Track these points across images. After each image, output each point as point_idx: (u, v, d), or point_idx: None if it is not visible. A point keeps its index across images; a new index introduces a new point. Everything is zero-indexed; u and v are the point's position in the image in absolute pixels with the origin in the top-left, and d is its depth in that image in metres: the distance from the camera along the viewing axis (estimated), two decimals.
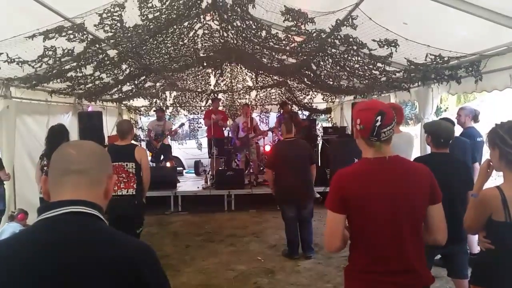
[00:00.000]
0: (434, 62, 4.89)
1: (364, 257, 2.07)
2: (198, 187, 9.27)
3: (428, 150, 3.96)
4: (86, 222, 1.25)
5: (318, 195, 7.27)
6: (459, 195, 3.32)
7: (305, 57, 6.86)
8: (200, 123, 11.95)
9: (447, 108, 16.53)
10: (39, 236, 1.20)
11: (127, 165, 4.67)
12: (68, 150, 1.35)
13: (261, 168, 11.12)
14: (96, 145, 1.43)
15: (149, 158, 10.55)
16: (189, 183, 10.10)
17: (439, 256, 3.81)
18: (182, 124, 11.54)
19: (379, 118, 1.99)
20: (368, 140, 2.05)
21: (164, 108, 11.28)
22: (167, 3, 5.08)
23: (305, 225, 5.79)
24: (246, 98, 12.42)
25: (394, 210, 1.99)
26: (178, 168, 10.92)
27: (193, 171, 11.83)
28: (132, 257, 1.22)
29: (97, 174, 1.35)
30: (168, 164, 9.80)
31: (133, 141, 5.29)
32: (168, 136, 10.33)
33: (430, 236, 2.12)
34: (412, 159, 3.81)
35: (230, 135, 10.64)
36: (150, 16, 5.21)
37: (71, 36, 4.88)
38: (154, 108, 12.05)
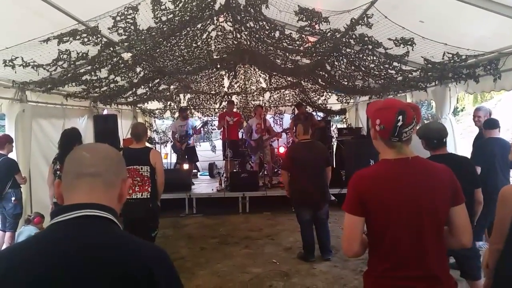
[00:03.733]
0: (452, 61, 4.80)
1: (384, 262, 1.98)
2: (212, 189, 9.24)
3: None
4: (99, 225, 1.23)
5: (333, 198, 7.17)
6: (465, 194, 3.25)
7: (319, 58, 6.79)
8: (214, 125, 11.93)
9: (463, 107, 16.26)
10: (50, 241, 1.18)
11: (141, 168, 4.66)
12: (82, 153, 1.33)
13: (275, 170, 11.08)
14: (110, 148, 1.40)
15: (174, 160, 10.63)
16: (203, 186, 10.10)
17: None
18: (206, 124, 11.54)
19: (400, 117, 1.90)
20: (389, 141, 1.97)
21: (188, 107, 11.27)
22: (180, 5, 5.08)
23: (322, 227, 5.71)
24: (260, 100, 12.40)
25: (416, 213, 1.91)
26: (192, 170, 10.92)
27: (208, 173, 11.84)
28: (145, 262, 1.18)
29: (111, 177, 1.32)
30: (186, 166, 9.78)
31: (147, 144, 5.28)
32: (193, 136, 10.35)
33: (455, 239, 2.02)
34: None
35: (244, 137, 10.61)
36: (164, 18, 5.21)
37: (85, 40, 4.91)
38: (169, 110, 12.17)
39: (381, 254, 2.01)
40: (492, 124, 5.02)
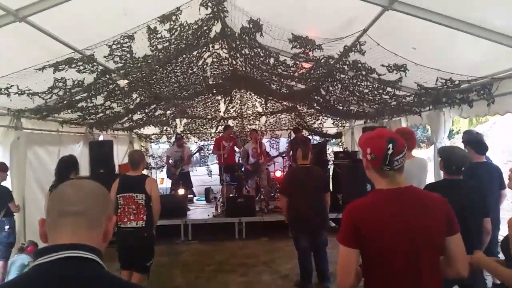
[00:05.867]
0: (445, 86, 4.83)
1: None
2: (208, 215, 9.16)
3: (442, 174, 3.85)
4: (83, 268, 1.20)
5: (333, 224, 7.09)
6: (474, 223, 3.23)
7: (314, 83, 6.85)
8: (210, 149, 11.91)
9: (459, 130, 16.33)
10: (33, 284, 1.15)
11: (137, 196, 4.61)
12: (66, 190, 1.31)
13: (272, 195, 11.01)
14: (95, 184, 1.38)
15: (169, 185, 10.58)
16: (199, 211, 10.00)
17: None
18: (201, 149, 11.51)
19: (390, 145, 1.91)
20: (381, 170, 1.97)
21: (182, 135, 11.31)
22: (176, 33, 5.12)
23: (320, 254, 5.62)
24: (256, 124, 12.44)
25: (410, 244, 1.89)
26: (188, 196, 10.85)
27: (204, 198, 11.75)
28: None
29: (96, 215, 1.30)
30: (182, 192, 9.70)
31: (144, 171, 5.24)
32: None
33: (451, 269, 2.00)
34: (425, 185, 3.72)
35: (240, 161, 10.58)
36: (160, 46, 5.25)
37: (81, 68, 4.93)
38: (166, 135, 12.18)
39: (376, 286, 1.98)
40: (479, 148, 4.92)
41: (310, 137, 11.70)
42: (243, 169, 10.05)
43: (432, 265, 1.93)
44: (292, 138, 11.08)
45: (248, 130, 12.30)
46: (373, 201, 2.02)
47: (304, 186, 5.42)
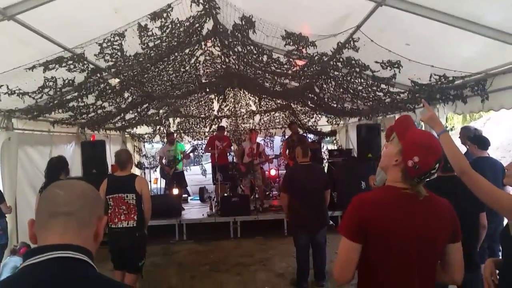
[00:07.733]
0: (439, 82, 4.81)
1: None
2: (203, 214, 9.09)
3: None
4: (73, 268, 1.18)
5: (331, 222, 7.06)
6: (470, 219, 3.21)
7: (307, 80, 6.81)
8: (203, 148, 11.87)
9: (453, 127, 16.40)
10: (22, 285, 1.12)
11: (127, 196, 4.56)
12: (56, 190, 1.29)
13: (267, 193, 10.97)
14: (86, 185, 1.37)
15: (163, 185, 10.53)
16: (194, 211, 9.94)
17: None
18: (195, 148, 11.46)
19: (437, 165, 1.85)
20: (409, 177, 1.89)
21: (172, 132, 11.18)
22: (167, 31, 5.06)
23: (319, 251, 5.58)
24: (250, 123, 12.40)
25: (414, 246, 1.84)
26: (183, 195, 10.78)
27: (198, 198, 11.70)
28: None
29: (87, 216, 1.28)
30: (176, 191, 9.63)
31: (136, 169, 5.18)
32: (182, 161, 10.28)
33: (447, 276, 1.98)
34: None
35: (234, 160, 10.52)
36: (151, 44, 5.19)
37: (72, 66, 4.86)
38: (159, 134, 12.11)
39: (373, 285, 1.93)
40: (482, 144, 4.97)
41: (304, 134, 11.67)
42: (235, 168, 9.95)
43: (430, 269, 1.91)
44: (287, 136, 11.05)
45: (242, 128, 12.27)
46: (383, 199, 1.93)
47: (304, 184, 5.38)
